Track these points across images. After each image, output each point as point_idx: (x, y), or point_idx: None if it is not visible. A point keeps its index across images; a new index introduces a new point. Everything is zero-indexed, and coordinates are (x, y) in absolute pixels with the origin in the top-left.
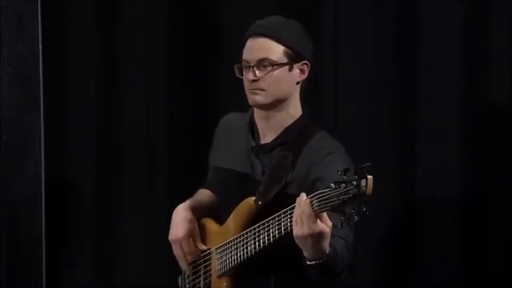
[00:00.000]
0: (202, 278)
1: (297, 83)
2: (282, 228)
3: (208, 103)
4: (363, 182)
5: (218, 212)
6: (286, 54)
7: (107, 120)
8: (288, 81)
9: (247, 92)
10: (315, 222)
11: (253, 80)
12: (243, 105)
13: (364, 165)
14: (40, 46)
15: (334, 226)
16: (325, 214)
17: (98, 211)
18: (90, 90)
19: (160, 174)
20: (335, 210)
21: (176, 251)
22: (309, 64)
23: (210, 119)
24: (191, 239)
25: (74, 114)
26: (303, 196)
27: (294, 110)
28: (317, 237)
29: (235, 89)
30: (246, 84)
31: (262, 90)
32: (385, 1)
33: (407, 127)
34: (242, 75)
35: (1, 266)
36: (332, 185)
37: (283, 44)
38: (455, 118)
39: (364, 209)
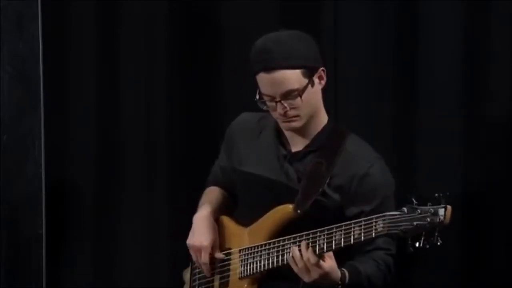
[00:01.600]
0: (218, 277)
1: (321, 90)
2: (334, 243)
3: (208, 103)
4: (441, 211)
5: (238, 212)
6: (303, 74)
7: (107, 120)
8: (314, 95)
9: (279, 120)
10: (320, 266)
11: (285, 112)
12: (243, 105)
13: (442, 194)
14: (40, 46)
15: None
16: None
17: (98, 211)
18: (90, 90)
19: (160, 174)
20: (403, 234)
21: (198, 258)
22: (324, 69)
23: (210, 119)
24: (211, 247)
25: (74, 114)
26: (303, 244)
27: (322, 116)
28: (325, 276)
29: (235, 89)
30: (276, 115)
31: (297, 116)
32: (385, 1)
33: (407, 127)
34: (267, 107)
35: (1, 266)
36: (405, 209)
37: (298, 67)
38: (455, 118)
39: (438, 238)
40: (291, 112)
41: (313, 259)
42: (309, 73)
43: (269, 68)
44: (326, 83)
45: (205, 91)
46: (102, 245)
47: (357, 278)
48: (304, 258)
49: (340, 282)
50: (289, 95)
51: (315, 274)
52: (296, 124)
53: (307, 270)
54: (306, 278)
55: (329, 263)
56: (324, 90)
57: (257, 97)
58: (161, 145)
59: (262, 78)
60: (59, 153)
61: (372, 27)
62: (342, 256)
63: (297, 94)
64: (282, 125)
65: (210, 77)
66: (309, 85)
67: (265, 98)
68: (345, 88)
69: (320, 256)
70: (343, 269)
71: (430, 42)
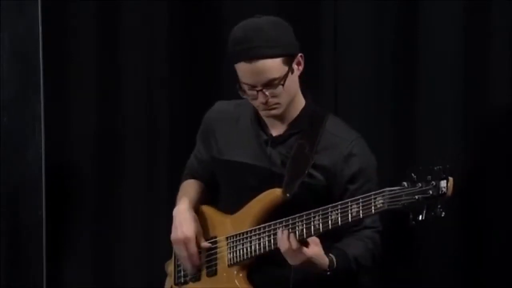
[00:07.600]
0: (204, 266)
1: (298, 76)
2: (330, 222)
3: (208, 102)
4: (443, 183)
5: (221, 200)
6: (284, 62)
7: (108, 104)
8: (293, 82)
9: (259, 108)
10: (302, 251)
11: (266, 100)
12: None
13: (443, 167)
14: (40, 29)
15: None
16: (311, 238)
17: (98, 195)
18: (91, 73)
19: (161, 159)
20: (404, 208)
21: (182, 251)
22: (302, 54)
23: None
24: (195, 238)
25: (74, 97)
26: (285, 232)
27: (300, 100)
28: (309, 261)
29: (234, 88)
30: (257, 104)
31: (278, 104)
32: (385, 1)
33: (407, 127)
34: (247, 94)
35: (1, 249)
36: (405, 183)
37: (278, 55)
38: (455, 118)
39: (441, 211)
40: (272, 100)
41: (294, 244)
42: (289, 61)
43: (250, 58)
44: (321, 80)
45: (205, 90)
46: (102, 229)
47: (345, 263)
48: (287, 246)
49: (328, 269)
50: (270, 84)
51: (297, 260)
52: (276, 111)
53: (290, 255)
54: (291, 262)
55: (314, 249)
56: (325, 90)
57: (237, 86)
58: (163, 131)
59: (243, 68)
60: (59, 137)
61: (372, 27)
62: (331, 238)
63: (279, 82)
64: (262, 113)
65: (210, 76)
66: (289, 73)
67: (245, 87)
68: (345, 88)
69: (305, 241)
70: (330, 255)
71: (430, 42)
